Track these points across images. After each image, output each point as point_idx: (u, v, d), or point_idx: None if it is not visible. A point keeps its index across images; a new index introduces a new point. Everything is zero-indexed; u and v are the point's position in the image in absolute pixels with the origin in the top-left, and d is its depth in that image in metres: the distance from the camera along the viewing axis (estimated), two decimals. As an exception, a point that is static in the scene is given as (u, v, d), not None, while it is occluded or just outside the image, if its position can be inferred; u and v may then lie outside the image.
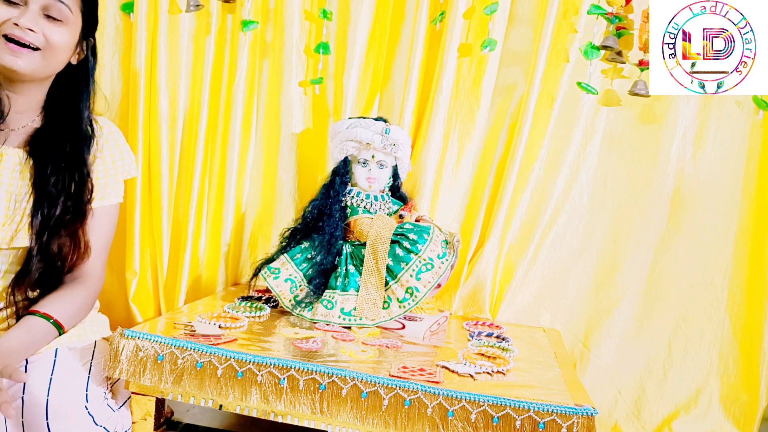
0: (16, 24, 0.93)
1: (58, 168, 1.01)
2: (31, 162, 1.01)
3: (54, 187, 1.00)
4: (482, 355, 1.06)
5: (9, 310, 1.01)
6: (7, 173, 0.99)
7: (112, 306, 1.53)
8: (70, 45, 1.01)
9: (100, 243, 1.08)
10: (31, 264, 0.99)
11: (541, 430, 0.82)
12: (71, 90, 1.06)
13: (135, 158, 1.16)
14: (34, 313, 0.96)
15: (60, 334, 0.99)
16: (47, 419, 0.89)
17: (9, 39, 0.94)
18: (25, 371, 0.93)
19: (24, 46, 0.95)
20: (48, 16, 0.96)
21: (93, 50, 1.08)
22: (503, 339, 1.19)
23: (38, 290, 1.02)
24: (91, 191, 1.05)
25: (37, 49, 0.96)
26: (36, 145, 1.02)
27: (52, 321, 0.97)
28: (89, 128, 1.06)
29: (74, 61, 1.04)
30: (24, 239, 0.99)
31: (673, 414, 1.36)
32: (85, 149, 1.05)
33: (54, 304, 0.99)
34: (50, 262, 1.00)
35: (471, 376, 0.94)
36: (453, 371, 0.95)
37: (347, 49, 1.49)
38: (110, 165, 1.10)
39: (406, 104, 1.44)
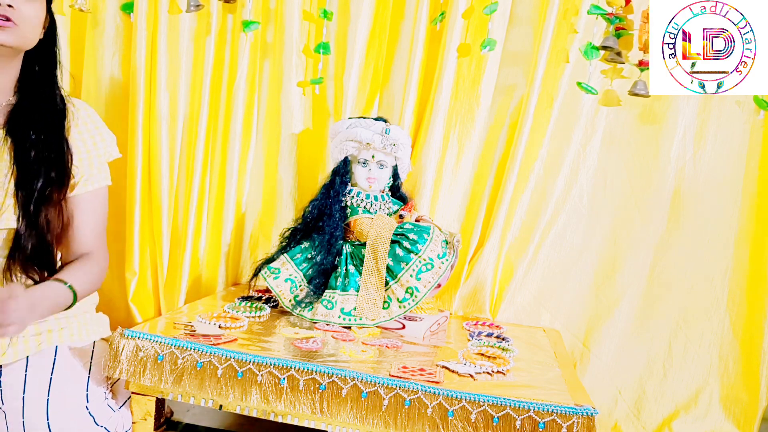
0: None
1: (37, 141, 1.01)
2: (10, 141, 1.00)
3: (36, 160, 1.00)
4: (482, 355, 1.06)
5: None
6: None
7: (112, 306, 1.53)
8: (41, 18, 1.01)
9: (97, 227, 1.09)
10: (22, 240, 0.99)
11: (541, 430, 0.82)
12: (41, 65, 1.06)
13: (116, 139, 1.15)
14: (51, 280, 0.98)
15: (73, 303, 1.00)
16: (47, 419, 0.89)
17: None
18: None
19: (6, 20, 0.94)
20: None
21: (53, 22, 1.07)
22: (503, 339, 1.19)
23: (34, 272, 1.02)
24: (71, 159, 1.05)
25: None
26: (14, 124, 1.01)
27: (68, 285, 0.98)
28: (60, 101, 1.06)
29: (41, 35, 1.04)
30: (10, 220, 0.98)
31: (673, 414, 1.36)
32: (60, 121, 1.05)
33: (70, 272, 1.01)
34: (40, 237, 1.00)
35: (471, 376, 0.94)
36: (453, 371, 0.95)
37: (347, 49, 1.49)
38: (91, 146, 1.09)
39: (406, 104, 1.44)
